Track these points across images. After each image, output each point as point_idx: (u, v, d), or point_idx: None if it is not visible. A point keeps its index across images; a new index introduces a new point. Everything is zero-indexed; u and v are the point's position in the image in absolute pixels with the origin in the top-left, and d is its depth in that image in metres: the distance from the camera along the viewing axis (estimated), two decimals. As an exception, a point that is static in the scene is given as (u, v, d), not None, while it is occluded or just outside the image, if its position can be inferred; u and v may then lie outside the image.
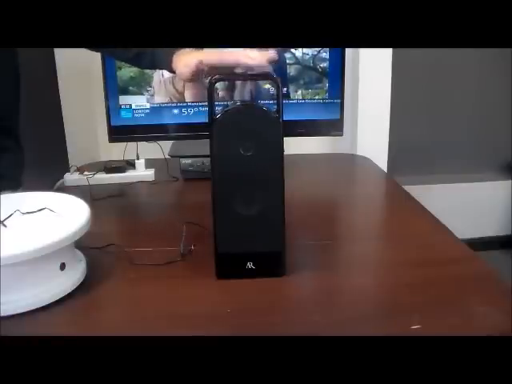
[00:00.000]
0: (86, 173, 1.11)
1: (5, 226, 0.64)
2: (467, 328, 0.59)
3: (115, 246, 0.77)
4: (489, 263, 0.73)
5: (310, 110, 1.14)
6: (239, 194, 0.66)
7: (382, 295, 0.68)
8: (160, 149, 1.14)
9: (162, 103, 1.11)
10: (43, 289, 0.62)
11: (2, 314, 0.59)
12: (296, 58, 1.11)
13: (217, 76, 0.69)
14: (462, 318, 0.61)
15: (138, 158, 1.13)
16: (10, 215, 0.66)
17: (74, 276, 0.66)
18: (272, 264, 0.70)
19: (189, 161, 1.13)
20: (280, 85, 0.68)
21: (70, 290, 0.65)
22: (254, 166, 0.66)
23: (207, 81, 0.67)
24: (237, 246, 0.68)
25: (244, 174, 0.66)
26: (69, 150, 1.36)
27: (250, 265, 0.69)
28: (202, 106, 1.11)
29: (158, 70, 1.08)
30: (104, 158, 1.29)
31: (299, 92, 1.13)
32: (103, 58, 1.08)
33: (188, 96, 1.11)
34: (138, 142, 1.12)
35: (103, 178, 1.11)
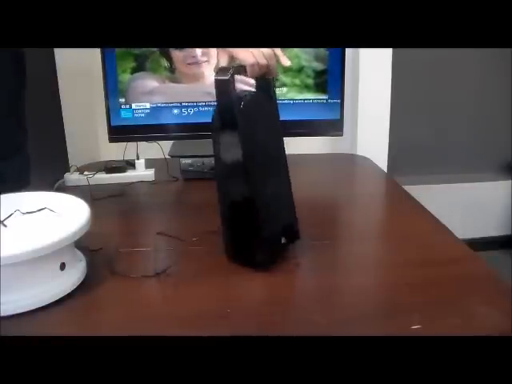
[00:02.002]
0: (86, 173, 1.11)
1: (5, 225, 0.64)
2: (467, 328, 0.59)
3: (115, 245, 0.77)
4: (489, 263, 0.73)
5: (310, 110, 1.14)
6: (269, 175, 0.70)
7: (382, 295, 0.68)
8: (160, 149, 1.14)
9: (162, 103, 1.11)
10: (43, 289, 0.62)
11: (2, 314, 0.59)
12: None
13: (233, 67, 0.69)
14: (461, 318, 0.61)
15: (138, 158, 1.13)
16: (10, 215, 0.66)
17: (73, 276, 0.66)
18: (293, 231, 0.74)
19: (189, 161, 1.13)
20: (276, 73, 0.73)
21: (69, 290, 0.65)
22: (271, 148, 0.71)
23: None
24: (276, 227, 0.71)
25: (268, 157, 0.70)
26: (69, 150, 1.36)
27: (283, 239, 0.72)
28: (202, 105, 1.12)
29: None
30: (104, 157, 1.29)
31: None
32: (103, 58, 1.08)
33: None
34: (138, 142, 1.12)
35: (103, 177, 1.11)
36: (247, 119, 0.67)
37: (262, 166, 0.69)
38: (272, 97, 0.74)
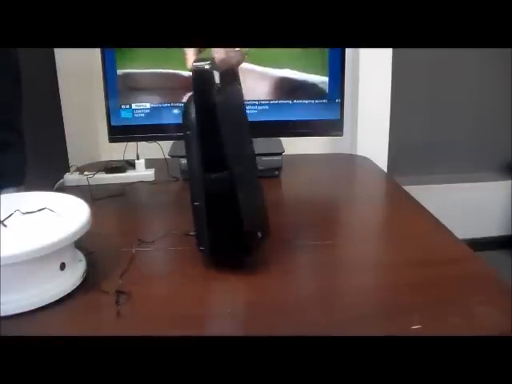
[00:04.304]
0: (86, 173, 1.11)
1: (5, 225, 0.64)
2: (467, 328, 0.59)
3: (115, 245, 0.77)
4: (489, 263, 0.73)
5: (310, 110, 1.14)
6: (243, 166, 0.70)
7: (382, 295, 0.68)
8: (160, 149, 1.14)
9: (162, 103, 1.11)
10: (43, 289, 0.62)
11: (2, 314, 0.59)
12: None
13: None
14: (462, 318, 0.61)
15: (138, 158, 1.13)
16: (10, 215, 0.66)
17: (73, 276, 0.66)
18: (265, 225, 0.73)
19: (189, 161, 1.13)
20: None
21: (69, 290, 0.65)
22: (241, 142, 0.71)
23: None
24: (253, 221, 0.70)
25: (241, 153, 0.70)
26: (69, 150, 1.36)
27: (259, 234, 0.71)
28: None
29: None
30: (104, 158, 1.29)
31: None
32: (103, 58, 1.08)
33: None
34: (138, 142, 1.12)
35: (103, 177, 1.11)
36: (224, 113, 0.67)
37: (239, 161, 0.69)
38: (238, 90, 0.73)
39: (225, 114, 0.67)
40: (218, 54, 0.68)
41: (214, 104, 0.65)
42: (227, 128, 0.67)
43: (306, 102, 1.14)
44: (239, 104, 0.74)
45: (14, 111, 1.00)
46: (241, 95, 0.74)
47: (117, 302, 0.62)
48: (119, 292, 0.64)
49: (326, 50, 1.11)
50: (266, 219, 0.74)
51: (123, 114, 1.11)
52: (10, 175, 0.96)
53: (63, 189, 1.06)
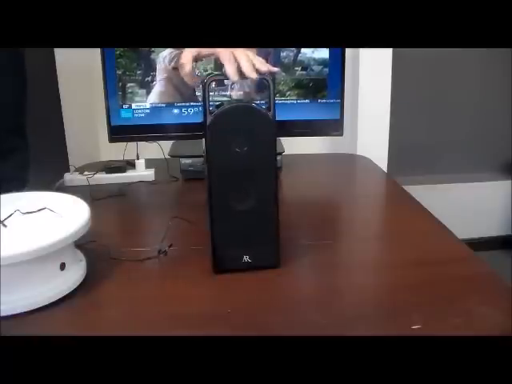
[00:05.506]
0: (85, 173, 1.11)
1: (5, 225, 0.64)
2: (467, 328, 0.59)
3: (115, 245, 0.77)
4: (489, 263, 0.73)
5: (310, 110, 1.14)
6: (234, 190, 0.68)
7: (382, 295, 0.68)
8: (160, 149, 1.14)
9: (162, 103, 1.11)
10: (43, 289, 0.62)
11: (2, 314, 0.59)
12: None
13: (211, 75, 0.70)
14: (462, 318, 0.61)
15: (138, 158, 1.13)
16: (10, 215, 0.66)
17: (74, 276, 0.66)
18: (267, 256, 0.71)
19: (189, 161, 1.13)
20: (272, 83, 0.69)
21: (69, 290, 0.65)
22: (248, 162, 0.68)
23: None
24: (233, 240, 0.69)
25: (238, 170, 0.67)
26: (69, 150, 1.36)
27: (246, 258, 0.70)
28: (202, 105, 1.11)
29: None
30: (104, 157, 1.29)
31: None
32: (103, 58, 1.08)
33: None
34: (138, 142, 1.12)
35: (103, 177, 1.11)
36: (214, 129, 0.67)
37: (227, 178, 0.67)
38: (266, 105, 0.71)
39: (213, 144, 0.67)
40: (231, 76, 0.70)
41: (205, 122, 0.67)
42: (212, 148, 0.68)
43: (306, 101, 1.14)
44: (246, 124, 0.68)
45: (23, 114, 1.00)
46: (253, 114, 0.68)
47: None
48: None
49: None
50: (271, 249, 0.71)
51: (123, 114, 1.11)
52: (15, 179, 0.96)
53: (63, 189, 1.06)
